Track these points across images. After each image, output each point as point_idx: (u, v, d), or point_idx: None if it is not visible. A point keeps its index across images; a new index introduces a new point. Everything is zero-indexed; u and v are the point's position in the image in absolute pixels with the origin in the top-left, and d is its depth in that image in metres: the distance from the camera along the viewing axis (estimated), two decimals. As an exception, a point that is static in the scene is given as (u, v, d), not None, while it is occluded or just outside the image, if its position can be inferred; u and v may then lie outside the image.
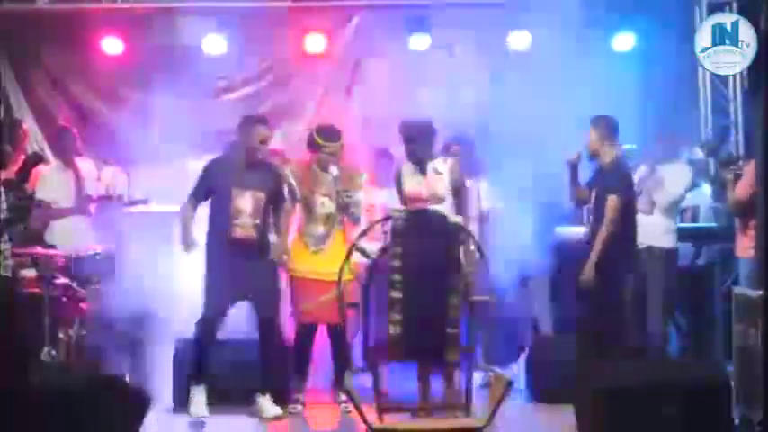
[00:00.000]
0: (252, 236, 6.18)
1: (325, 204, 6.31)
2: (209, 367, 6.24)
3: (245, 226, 6.16)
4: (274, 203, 6.30)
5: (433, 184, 6.23)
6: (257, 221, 6.18)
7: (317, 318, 6.27)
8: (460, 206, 6.28)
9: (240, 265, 6.11)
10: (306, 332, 6.36)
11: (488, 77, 8.73)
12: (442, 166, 6.30)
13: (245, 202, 6.16)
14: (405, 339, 5.08)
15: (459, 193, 6.28)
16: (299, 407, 6.39)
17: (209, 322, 6.19)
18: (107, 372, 6.35)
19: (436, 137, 6.45)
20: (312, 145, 6.34)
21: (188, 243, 6.21)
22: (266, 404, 6.22)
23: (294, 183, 6.33)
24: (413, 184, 6.26)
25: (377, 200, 7.10)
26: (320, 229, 6.33)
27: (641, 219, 7.14)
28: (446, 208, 6.09)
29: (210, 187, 6.26)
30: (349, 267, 5.31)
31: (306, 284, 6.27)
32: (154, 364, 6.89)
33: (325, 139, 6.29)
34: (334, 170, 6.26)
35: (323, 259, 6.24)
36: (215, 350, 6.26)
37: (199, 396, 6.17)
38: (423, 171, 6.26)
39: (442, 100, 8.64)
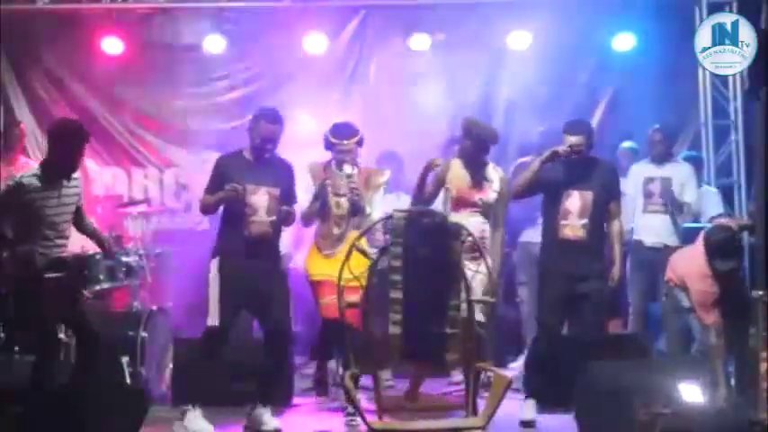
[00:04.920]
0: (268, 233, 5.99)
1: (340, 205, 6.16)
2: (232, 387, 6.14)
3: (261, 223, 5.96)
4: (287, 201, 6.10)
5: (486, 192, 6.15)
6: (273, 218, 5.99)
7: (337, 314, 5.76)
8: (499, 218, 6.18)
9: (254, 266, 5.92)
10: (330, 329, 6.05)
11: (488, 77, 8.77)
12: (493, 175, 6.22)
13: (261, 199, 5.96)
14: (405, 339, 5.07)
15: (500, 204, 6.19)
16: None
17: (219, 330, 5.92)
18: (107, 372, 6.35)
19: (497, 143, 6.37)
20: (327, 143, 6.21)
21: (226, 188, 5.91)
22: (267, 416, 6.02)
23: (313, 180, 6.19)
24: (466, 187, 6.15)
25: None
26: (335, 231, 6.16)
27: (656, 218, 7.22)
28: (483, 218, 6.07)
29: (224, 184, 5.99)
30: (349, 268, 5.24)
31: (321, 285, 6.10)
32: (154, 364, 6.91)
33: (336, 136, 6.15)
34: (347, 168, 6.09)
35: (338, 262, 5.78)
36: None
37: (194, 415, 5.94)
38: (475, 175, 6.17)
39: (441, 99, 8.69)
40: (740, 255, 6.48)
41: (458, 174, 6.16)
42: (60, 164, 5.80)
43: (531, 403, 6.13)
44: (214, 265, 6.01)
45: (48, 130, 6.08)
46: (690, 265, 6.27)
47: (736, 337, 5.98)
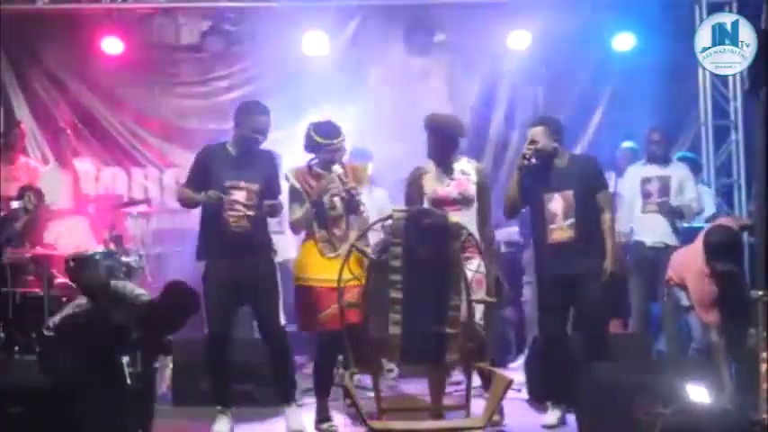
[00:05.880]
0: (248, 227, 5.84)
1: (335, 206, 5.87)
2: (232, 387, 5.99)
3: (238, 218, 5.82)
4: (269, 194, 5.93)
5: (464, 185, 5.91)
6: (251, 213, 5.84)
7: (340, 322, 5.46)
8: (484, 213, 5.96)
9: (237, 262, 5.80)
10: (331, 341, 5.75)
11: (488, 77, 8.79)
12: (468, 167, 5.99)
13: (238, 194, 5.83)
14: (404, 339, 5.07)
15: (483, 198, 5.96)
16: (335, 426, 5.93)
17: (219, 338, 5.88)
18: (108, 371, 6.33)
19: (463, 137, 6.14)
20: (311, 145, 5.92)
21: (209, 194, 5.81)
22: (292, 414, 5.91)
23: (298, 185, 5.90)
24: (440, 185, 5.92)
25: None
26: (336, 233, 5.86)
27: (655, 218, 7.33)
28: (468, 215, 5.83)
29: (204, 177, 5.91)
30: (349, 268, 5.22)
31: (325, 294, 5.69)
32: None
33: (324, 137, 5.88)
34: (338, 168, 5.86)
35: (336, 264, 5.52)
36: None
37: (223, 419, 5.89)
38: (448, 171, 5.95)
39: (441, 99, 8.71)
40: (740, 255, 6.47)
41: (432, 175, 5.96)
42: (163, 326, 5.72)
43: (557, 413, 6.09)
44: (201, 267, 5.98)
45: (165, 290, 5.71)
46: (689, 264, 6.27)
47: (737, 338, 5.97)
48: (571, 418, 5.87)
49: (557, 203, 6.06)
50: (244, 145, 5.95)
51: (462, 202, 5.88)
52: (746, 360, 5.68)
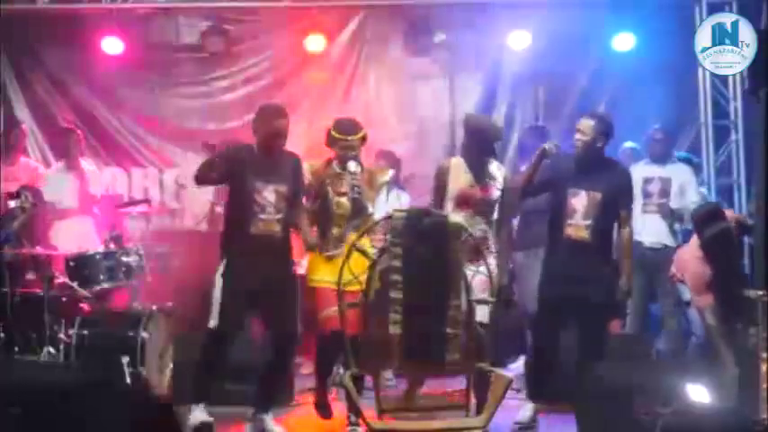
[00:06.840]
0: (276, 231, 5.82)
1: (341, 204, 5.88)
2: (214, 387, 5.94)
3: (268, 221, 5.81)
4: (295, 196, 5.91)
5: (491, 189, 5.92)
6: (281, 216, 5.83)
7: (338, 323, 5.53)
8: (502, 220, 5.97)
9: (262, 266, 5.77)
10: (330, 344, 5.76)
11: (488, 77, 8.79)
12: (497, 172, 5.98)
13: (269, 196, 5.81)
14: (404, 339, 5.07)
15: (504, 203, 5.97)
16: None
17: (223, 337, 5.82)
18: (107, 372, 6.34)
19: (499, 140, 6.21)
20: (330, 140, 5.92)
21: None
22: (271, 424, 5.94)
23: (311, 179, 5.91)
24: (464, 183, 5.92)
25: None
26: (335, 232, 5.87)
27: (654, 218, 7.36)
28: (479, 218, 5.86)
29: (229, 171, 5.85)
30: (349, 268, 5.21)
31: (324, 293, 5.75)
32: (154, 364, 6.90)
33: (341, 132, 5.87)
34: (352, 165, 5.82)
35: (338, 265, 5.59)
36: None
37: (199, 409, 5.83)
38: (477, 172, 5.94)
39: (441, 99, 8.72)
40: (722, 221, 6.42)
41: (459, 173, 5.98)
42: None
43: (530, 406, 6.10)
44: (222, 265, 5.88)
45: None
46: (686, 253, 6.40)
47: (735, 330, 6.01)
48: (570, 417, 5.88)
49: (580, 201, 6.03)
50: (265, 148, 5.89)
51: (484, 206, 5.91)
52: (743, 347, 5.72)
